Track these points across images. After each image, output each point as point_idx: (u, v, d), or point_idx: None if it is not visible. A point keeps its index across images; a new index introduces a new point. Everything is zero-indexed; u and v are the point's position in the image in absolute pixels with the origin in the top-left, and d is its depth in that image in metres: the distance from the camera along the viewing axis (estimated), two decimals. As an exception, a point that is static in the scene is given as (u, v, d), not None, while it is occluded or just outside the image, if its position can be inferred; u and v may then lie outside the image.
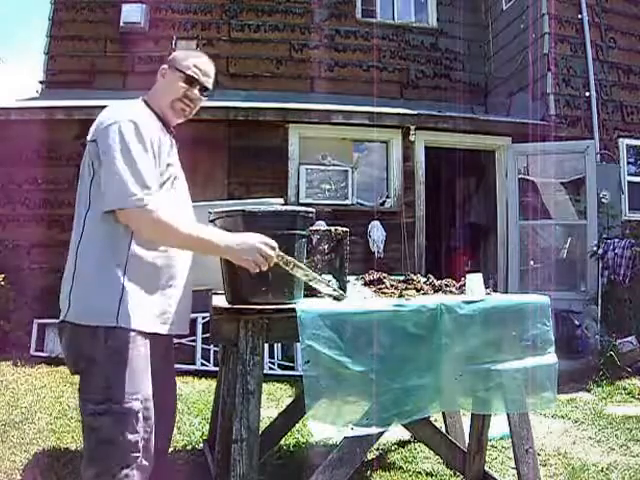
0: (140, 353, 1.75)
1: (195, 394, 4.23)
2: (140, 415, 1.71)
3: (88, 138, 1.79)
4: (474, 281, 2.28)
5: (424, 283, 2.46)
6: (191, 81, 1.93)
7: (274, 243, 1.77)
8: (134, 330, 1.73)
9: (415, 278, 2.49)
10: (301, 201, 6.29)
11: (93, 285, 1.72)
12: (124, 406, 1.68)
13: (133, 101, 1.92)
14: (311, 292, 2.14)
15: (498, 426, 2.80)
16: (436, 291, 2.38)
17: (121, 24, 7.47)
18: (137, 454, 1.70)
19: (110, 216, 1.73)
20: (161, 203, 1.71)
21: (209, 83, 1.99)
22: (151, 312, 1.79)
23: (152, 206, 1.67)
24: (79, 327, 1.73)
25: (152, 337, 1.80)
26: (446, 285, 2.43)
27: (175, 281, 1.86)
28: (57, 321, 1.87)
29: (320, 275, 2.16)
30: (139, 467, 1.72)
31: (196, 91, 1.94)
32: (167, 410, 2.00)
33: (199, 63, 1.96)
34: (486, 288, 2.31)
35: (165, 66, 1.97)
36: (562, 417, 3.95)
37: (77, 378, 1.77)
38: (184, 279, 1.91)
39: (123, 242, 1.74)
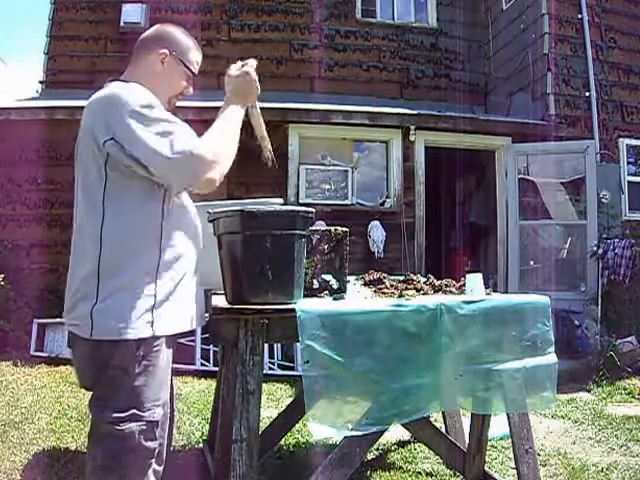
0: (165, 360, 1.70)
1: (195, 394, 4.23)
2: (160, 421, 1.67)
3: (103, 138, 1.58)
4: (474, 281, 2.28)
5: (424, 283, 2.46)
6: (192, 79, 1.87)
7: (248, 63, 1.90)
8: (166, 336, 1.67)
9: (415, 278, 2.49)
10: (301, 201, 6.29)
11: (127, 300, 1.60)
12: (147, 413, 1.62)
13: (116, 85, 1.78)
14: (311, 292, 2.14)
15: (498, 426, 2.80)
16: (436, 291, 2.38)
17: (121, 24, 7.48)
18: (152, 460, 1.67)
19: (135, 223, 1.62)
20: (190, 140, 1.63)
21: None
22: (178, 314, 1.73)
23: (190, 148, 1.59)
24: (105, 341, 1.62)
25: (173, 338, 1.76)
26: (446, 285, 2.43)
27: (192, 279, 1.82)
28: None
29: (320, 275, 2.16)
30: (153, 473, 1.69)
31: (190, 88, 1.88)
32: (171, 410, 2.00)
33: (199, 59, 1.91)
34: (486, 288, 2.31)
35: (165, 50, 1.81)
36: (562, 417, 3.95)
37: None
38: (196, 276, 1.86)
39: (152, 250, 1.64)
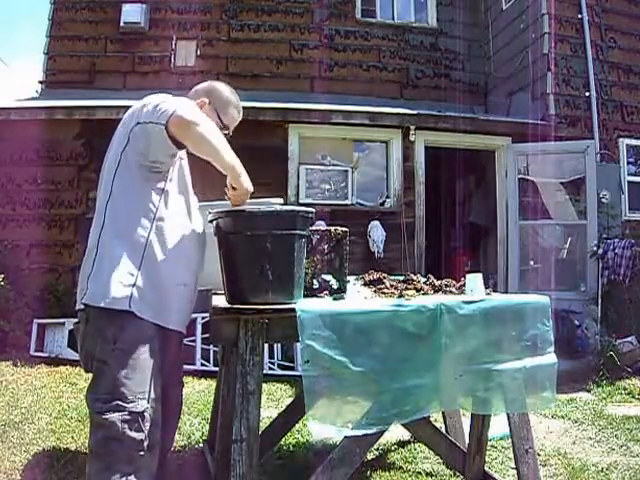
0: (149, 352, 1.80)
1: (195, 394, 4.23)
2: (146, 414, 1.76)
3: (134, 123, 1.85)
4: (474, 281, 2.28)
5: (424, 283, 2.46)
6: (224, 129, 2.06)
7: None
8: (144, 320, 1.80)
9: (415, 278, 2.49)
10: (301, 201, 6.29)
11: (110, 269, 1.79)
12: (131, 405, 1.74)
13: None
14: (311, 292, 2.14)
15: (498, 426, 2.80)
16: (436, 291, 2.38)
17: (121, 24, 7.47)
18: (142, 452, 1.75)
19: (133, 207, 1.84)
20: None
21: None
22: (159, 304, 1.84)
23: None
24: (91, 327, 1.81)
25: (163, 333, 1.86)
26: (446, 285, 2.43)
27: (184, 279, 1.92)
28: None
29: (320, 275, 2.16)
30: (144, 466, 1.75)
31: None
32: (171, 409, 2.02)
33: (236, 115, 2.12)
34: (486, 288, 2.31)
35: (206, 99, 2.06)
36: (562, 417, 3.95)
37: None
38: (192, 279, 1.97)
39: (142, 234, 1.83)
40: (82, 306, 1.84)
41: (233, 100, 2.12)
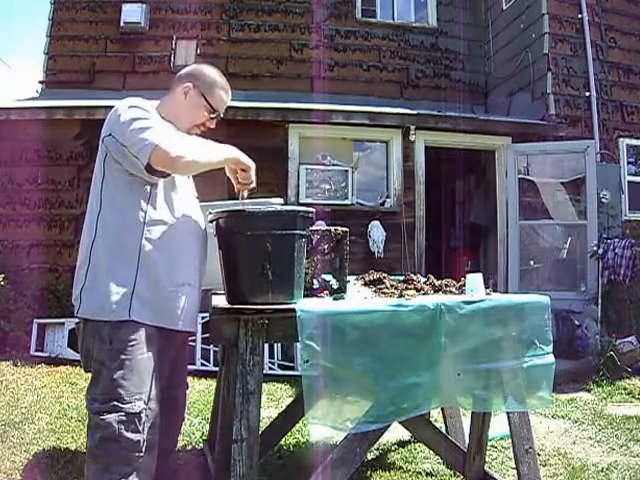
0: (147, 353, 1.80)
1: (195, 394, 4.23)
2: (143, 415, 1.75)
3: (106, 133, 1.84)
4: (474, 281, 2.28)
5: (424, 283, 2.46)
6: (214, 113, 1.99)
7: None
8: (145, 324, 1.79)
9: (415, 278, 2.49)
10: (301, 201, 6.29)
11: (106, 281, 1.78)
12: (128, 405, 1.73)
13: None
14: (311, 292, 2.14)
15: (498, 426, 2.80)
16: (436, 291, 2.38)
17: (121, 24, 7.48)
18: (140, 454, 1.74)
19: (122, 216, 1.82)
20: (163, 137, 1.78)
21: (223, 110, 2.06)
22: (162, 308, 1.84)
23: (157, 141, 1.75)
24: (89, 327, 1.82)
25: (165, 333, 1.86)
26: (446, 285, 2.43)
27: (186, 279, 1.91)
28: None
29: (320, 275, 2.16)
30: (142, 467, 1.74)
31: (213, 120, 2.01)
32: (175, 409, 2.02)
33: (224, 95, 2.01)
34: (486, 288, 2.31)
35: (189, 84, 1.98)
36: (562, 417, 3.95)
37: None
38: (195, 278, 1.95)
39: (135, 241, 1.81)
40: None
41: (219, 81, 2.01)
